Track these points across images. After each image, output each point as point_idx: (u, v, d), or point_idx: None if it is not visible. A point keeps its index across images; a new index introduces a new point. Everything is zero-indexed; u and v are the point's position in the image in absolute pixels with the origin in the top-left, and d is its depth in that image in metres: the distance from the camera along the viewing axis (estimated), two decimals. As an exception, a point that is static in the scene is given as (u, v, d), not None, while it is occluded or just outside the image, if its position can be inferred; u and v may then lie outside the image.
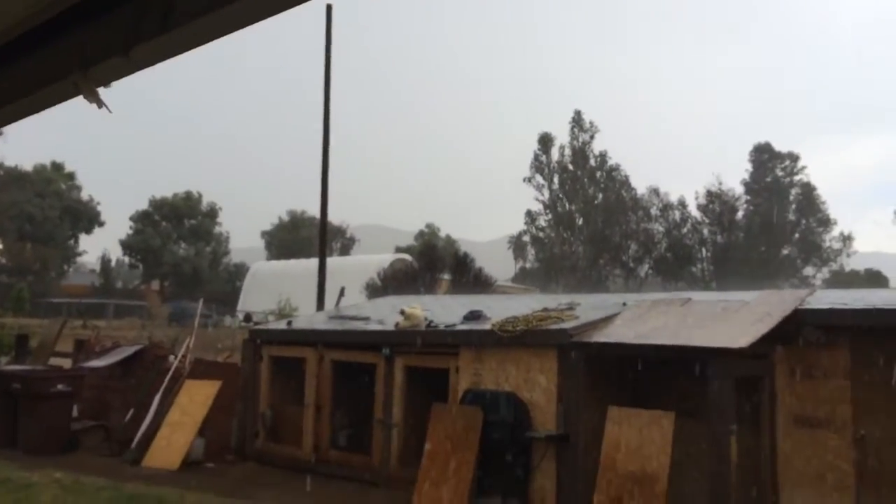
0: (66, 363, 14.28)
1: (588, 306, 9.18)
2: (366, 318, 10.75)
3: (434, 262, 30.55)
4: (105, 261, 72.32)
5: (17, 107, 1.46)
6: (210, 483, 9.26)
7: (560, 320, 8.31)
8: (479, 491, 7.86)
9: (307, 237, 71.75)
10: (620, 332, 7.78)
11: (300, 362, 10.44)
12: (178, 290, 64.79)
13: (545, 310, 9.01)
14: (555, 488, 7.76)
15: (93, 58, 1.26)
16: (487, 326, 8.62)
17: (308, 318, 14.08)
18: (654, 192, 67.04)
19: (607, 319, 8.27)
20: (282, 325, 12.53)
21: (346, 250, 78.25)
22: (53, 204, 62.39)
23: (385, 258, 43.16)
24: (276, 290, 39.21)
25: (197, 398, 10.75)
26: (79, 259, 73.79)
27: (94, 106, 1.36)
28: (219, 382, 10.87)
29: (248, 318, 27.66)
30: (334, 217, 70.89)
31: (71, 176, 67.84)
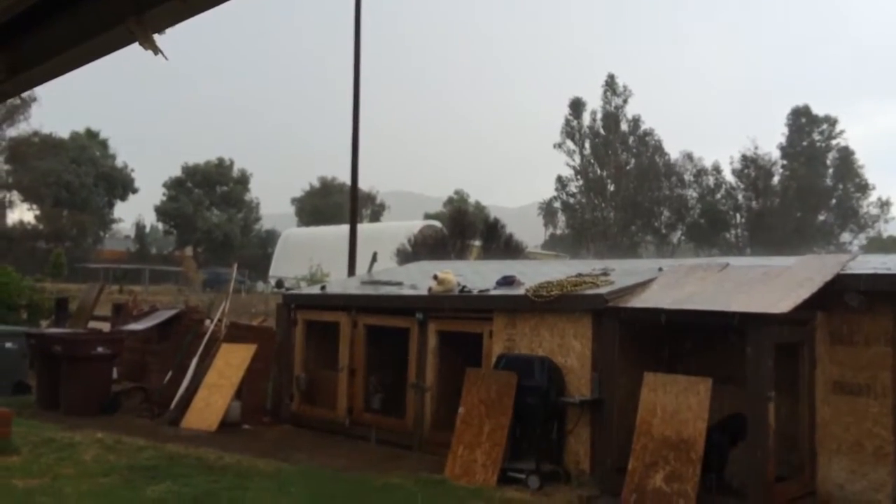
0: (105, 327, 14.55)
1: (622, 272, 9.08)
2: (398, 283, 10.77)
3: (464, 228, 30.39)
4: (140, 227, 73.33)
5: (73, 54, 1.41)
6: (247, 444, 9.42)
7: (595, 285, 8.24)
8: (512, 455, 7.89)
9: (337, 203, 72.00)
10: (657, 298, 7.69)
11: (334, 327, 10.51)
12: (211, 256, 65.56)
13: (579, 275, 8.93)
14: (589, 453, 7.77)
15: (148, 1, 1.20)
16: (521, 291, 8.59)
17: (341, 282, 14.15)
18: (688, 157, 65.98)
19: (643, 285, 8.18)
20: (315, 290, 12.61)
21: (376, 217, 78.47)
22: (89, 171, 63.11)
23: (414, 224, 43.20)
24: (308, 256, 39.50)
25: (233, 361, 10.89)
26: (114, 225, 74.88)
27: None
28: (254, 346, 10.99)
29: (280, 283, 27.86)
30: (364, 183, 71.12)
31: (105, 143, 68.60)
